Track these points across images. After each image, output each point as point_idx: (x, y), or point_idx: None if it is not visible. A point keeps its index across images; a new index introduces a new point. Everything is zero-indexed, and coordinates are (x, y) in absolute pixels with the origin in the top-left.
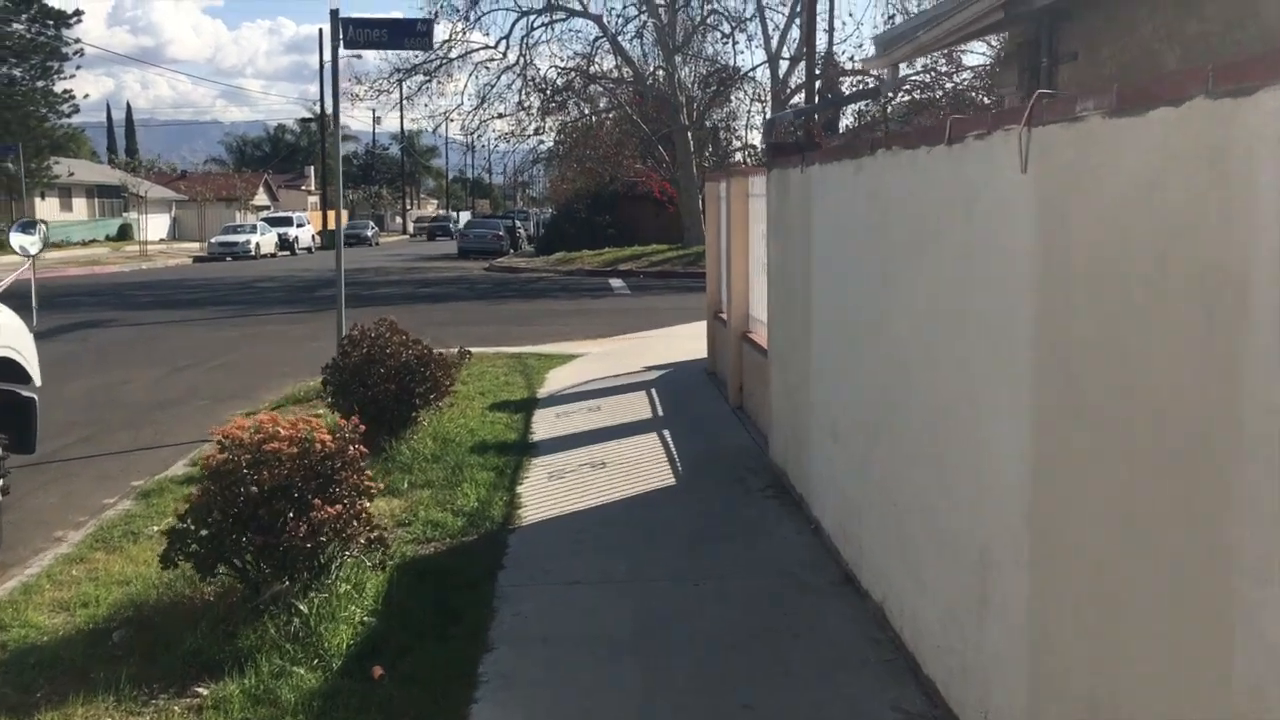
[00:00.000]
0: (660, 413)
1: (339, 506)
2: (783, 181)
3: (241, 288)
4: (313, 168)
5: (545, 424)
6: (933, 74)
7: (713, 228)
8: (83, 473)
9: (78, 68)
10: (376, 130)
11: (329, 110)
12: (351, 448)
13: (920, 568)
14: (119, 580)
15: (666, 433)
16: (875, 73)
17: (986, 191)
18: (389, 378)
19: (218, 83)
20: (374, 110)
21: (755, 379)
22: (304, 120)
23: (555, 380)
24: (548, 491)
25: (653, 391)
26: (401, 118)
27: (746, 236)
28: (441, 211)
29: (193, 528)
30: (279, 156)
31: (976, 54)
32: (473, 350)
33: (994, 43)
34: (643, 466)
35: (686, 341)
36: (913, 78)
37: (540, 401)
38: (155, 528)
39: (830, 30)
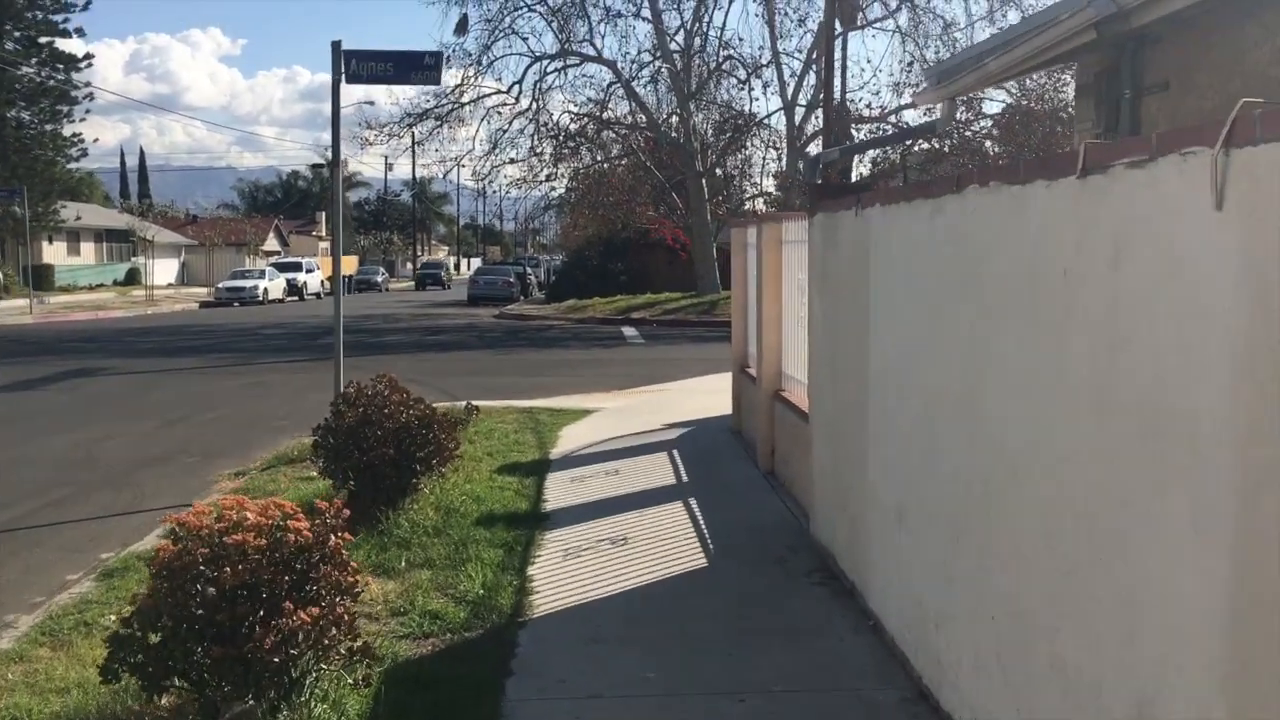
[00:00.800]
0: (684, 477)
1: (315, 610)
2: (830, 226)
3: (245, 335)
4: (324, 213)
5: (559, 490)
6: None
7: (739, 276)
8: (49, 541)
9: (87, 111)
10: (389, 176)
11: (336, 152)
12: (333, 537)
13: (1035, 707)
14: (58, 688)
15: (693, 502)
16: (921, 108)
17: (1149, 234)
18: (386, 441)
19: (232, 129)
20: (386, 157)
21: (791, 443)
22: (315, 166)
23: (569, 439)
24: (563, 574)
25: (674, 453)
26: (414, 163)
27: (780, 286)
28: (435, 257)
29: (139, 634)
30: (291, 202)
31: (995, 101)
32: (481, 405)
33: (1013, 90)
34: (669, 544)
35: (706, 396)
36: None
37: (553, 464)
38: (112, 616)
39: (843, 77)
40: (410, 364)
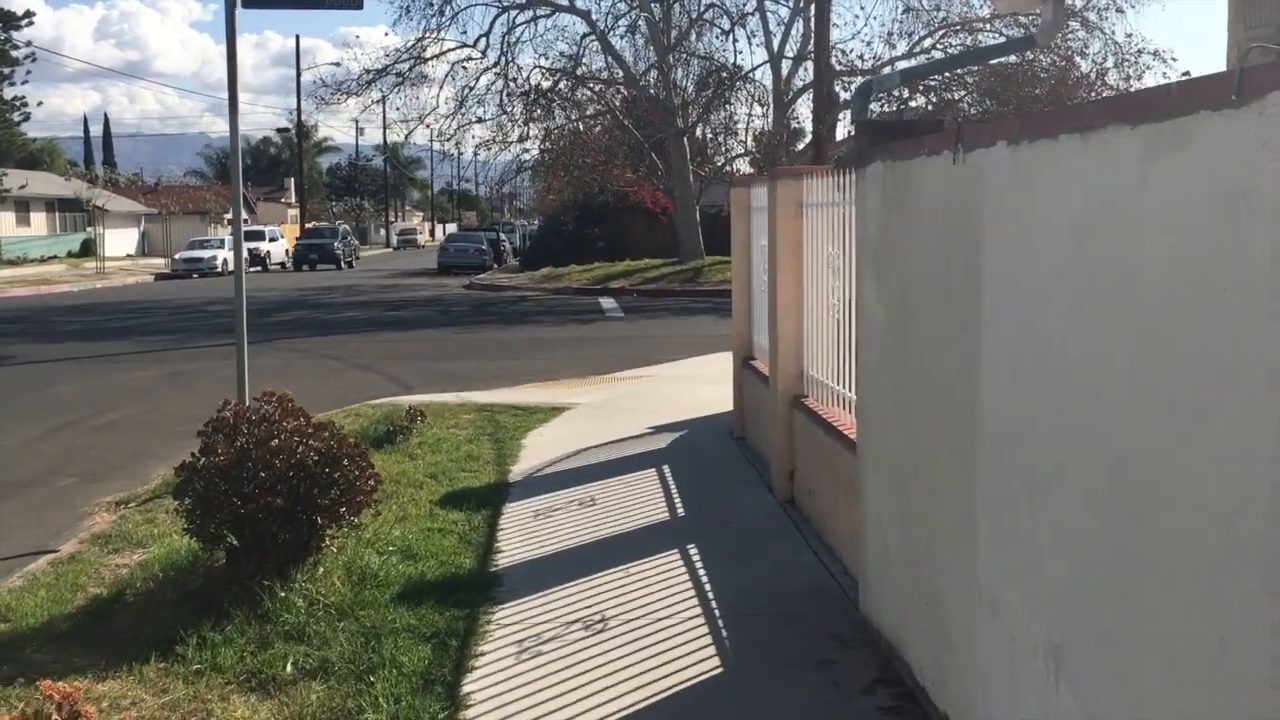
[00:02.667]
0: (679, 509)
1: None
2: (897, 181)
3: (188, 311)
4: (293, 180)
5: (516, 533)
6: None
7: (740, 245)
8: None
9: (28, 73)
10: (361, 142)
11: (233, 97)
12: None
13: None
14: None
15: (693, 551)
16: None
17: None
18: (274, 486)
19: (204, 95)
20: (356, 121)
21: (821, 469)
22: (281, 130)
23: (534, 448)
24: (516, 691)
25: (665, 470)
26: (384, 127)
27: (800, 262)
28: (409, 224)
29: None
30: (260, 169)
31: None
32: (434, 401)
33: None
34: (665, 631)
35: (699, 386)
36: (928, 80)
37: (512, 489)
38: None
39: (826, 27)
40: (363, 345)
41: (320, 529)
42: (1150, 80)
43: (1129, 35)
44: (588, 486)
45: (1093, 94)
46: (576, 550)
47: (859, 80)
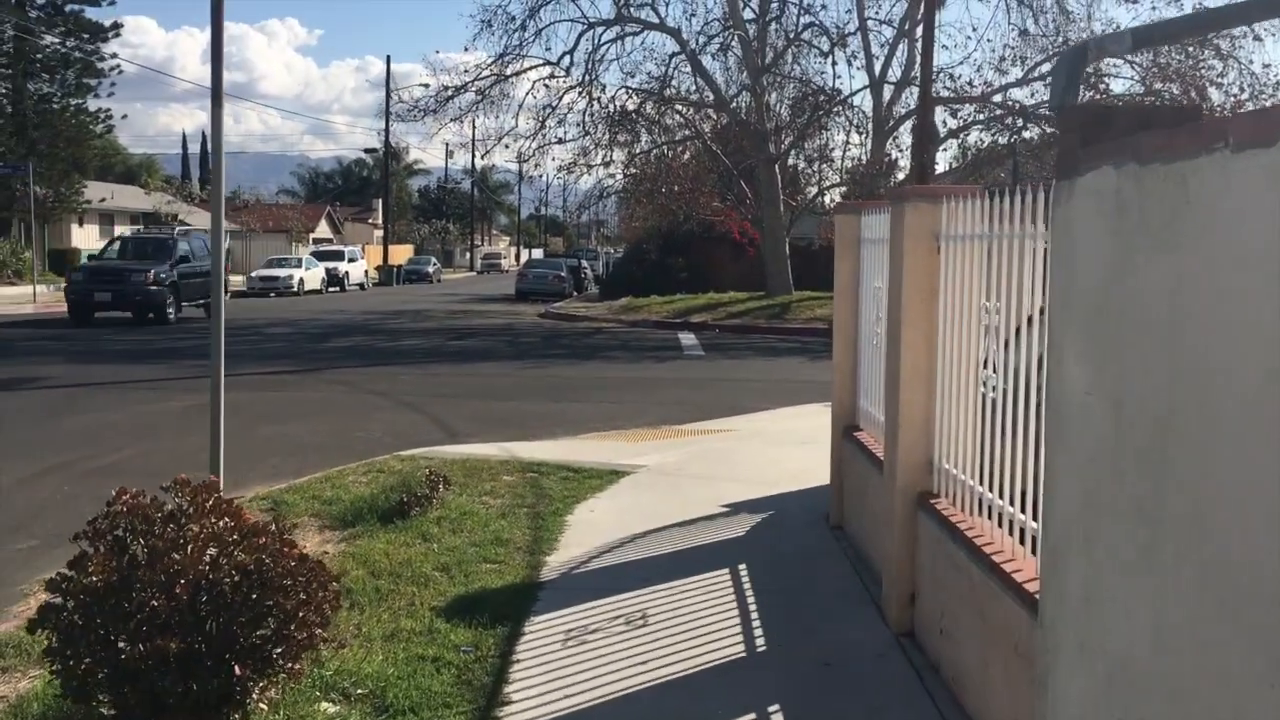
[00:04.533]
0: (759, 638)
1: None
2: (1149, 198)
3: (244, 333)
4: (381, 200)
5: (537, 671)
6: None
7: (845, 286)
8: None
9: (114, 84)
10: (452, 165)
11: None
12: None
13: None
14: None
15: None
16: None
17: None
18: (171, 620)
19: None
20: (447, 144)
21: (961, 608)
22: (369, 150)
23: (581, 529)
24: None
25: (741, 572)
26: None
27: (934, 311)
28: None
29: None
30: (350, 189)
31: (1124, 79)
32: (474, 452)
33: (1142, 65)
34: None
35: (784, 447)
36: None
37: (543, 593)
38: None
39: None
40: (416, 380)
41: (241, 681)
42: None
43: (1266, 66)
44: (641, 593)
45: None
46: (619, 703)
47: (966, 109)
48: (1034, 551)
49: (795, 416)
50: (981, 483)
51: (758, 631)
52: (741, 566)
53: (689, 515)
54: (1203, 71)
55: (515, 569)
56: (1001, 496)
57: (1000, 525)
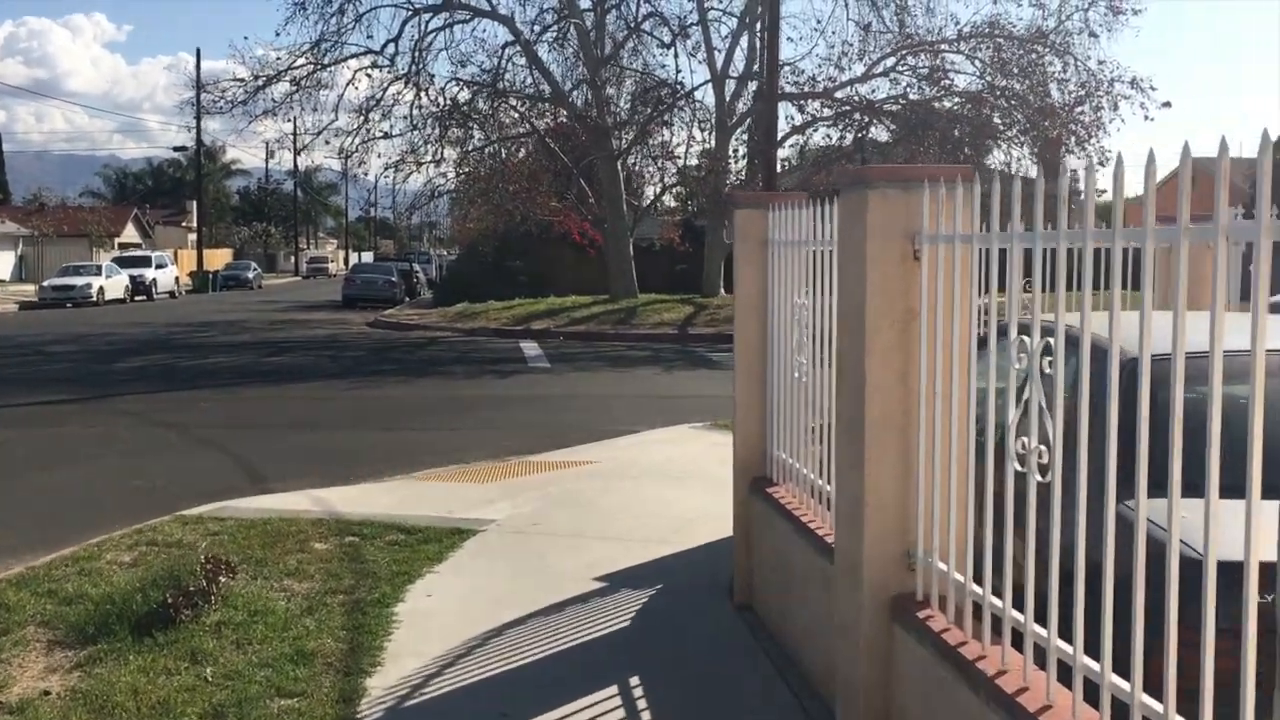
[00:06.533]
0: None
1: None
2: None
3: (22, 353)
4: (195, 203)
5: None
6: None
7: (750, 304)
8: None
9: None
10: (274, 166)
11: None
12: None
13: None
14: None
15: None
16: (841, 95)
17: None
18: None
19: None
20: (268, 143)
21: None
22: (179, 149)
23: (413, 628)
24: None
25: (635, 692)
26: (295, 147)
27: (910, 343)
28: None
29: None
30: (162, 190)
31: (965, 74)
32: (281, 507)
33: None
34: None
35: (660, 485)
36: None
37: None
38: None
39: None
40: (221, 406)
41: None
42: (1126, 110)
43: (1101, 63)
44: None
45: (1059, 127)
46: None
47: (812, 104)
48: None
49: (664, 443)
50: (984, 585)
51: None
52: (633, 680)
53: (555, 596)
54: (1044, 65)
55: (322, 703)
56: (1032, 615)
57: (1022, 651)
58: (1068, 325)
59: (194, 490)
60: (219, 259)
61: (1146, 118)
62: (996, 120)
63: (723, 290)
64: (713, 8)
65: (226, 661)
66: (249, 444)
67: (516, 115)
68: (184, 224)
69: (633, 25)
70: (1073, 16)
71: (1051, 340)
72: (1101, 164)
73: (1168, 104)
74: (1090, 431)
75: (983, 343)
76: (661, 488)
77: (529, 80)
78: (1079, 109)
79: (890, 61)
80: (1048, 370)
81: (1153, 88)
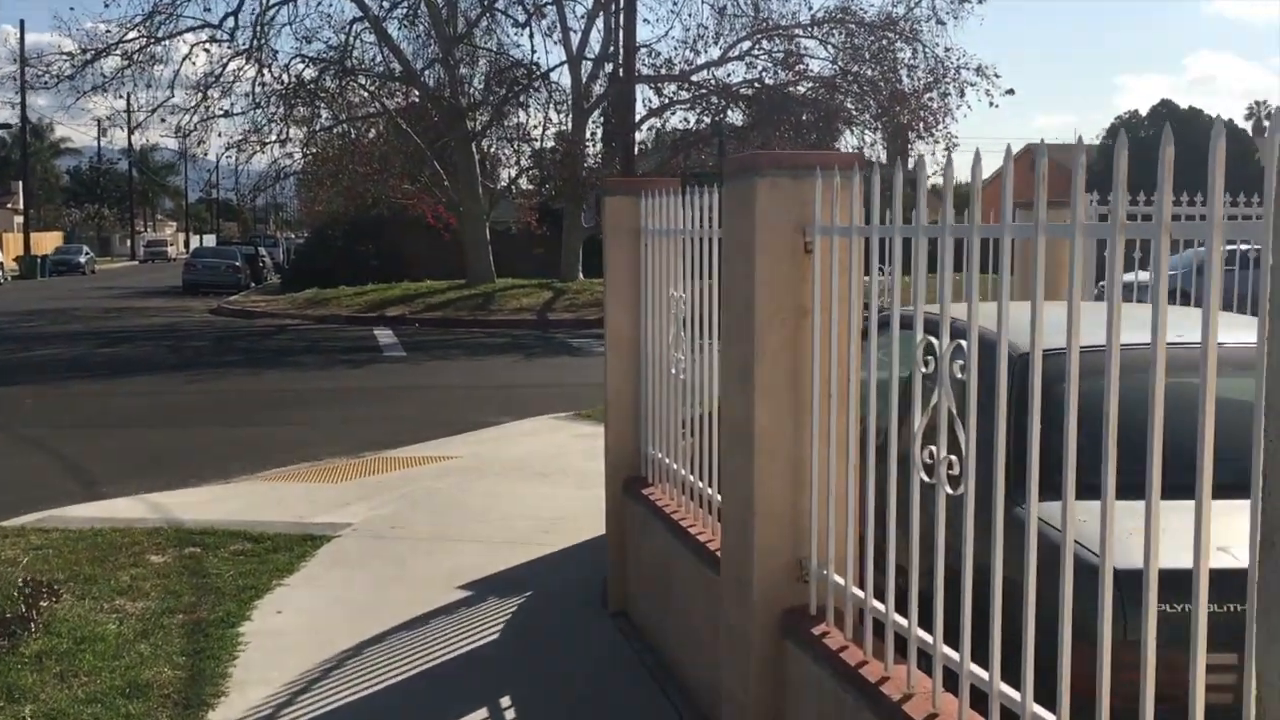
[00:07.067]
0: None
1: None
2: None
3: None
4: (20, 183)
5: None
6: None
7: (622, 298)
8: None
9: None
10: (109, 145)
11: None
12: None
13: None
14: None
15: None
16: (698, 78)
17: None
18: None
19: None
20: (100, 120)
21: None
22: (2, 125)
23: (262, 650)
24: None
25: (505, 710)
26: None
27: (801, 343)
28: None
29: None
30: None
31: (819, 59)
32: (114, 516)
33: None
34: None
35: (524, 482)
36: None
37: None
38: None
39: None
40: (50, 402)
41: None
42: (971, 97)
43: (947, 50)
44: None
45: (910, 113)
46: None
47: (670, 87)
48: None
49: (526, 435)
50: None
51: None
52: (504, 701)
53: (418, 608)
54: (895, 51)
55: None
56: (941, 636)
57: (930, 674)
58: (958, 319)
59: (17, 497)
60: (48, 243)
61: (992, 104)
62: (850, 106)
63: (581, 274)
64: None
65: (49, 698)
66: (79, 444)
67: (366, 94)
68: (9, 205)
69: (486, 4)
70: (921, 3)
71: (963, 342)
72: (949, 150)
73: (1011, 91)
74: (987, 434)
75: (870, 334)
76: (527, 484)
77: (379, 58)
78: (928, 95)
79: (746, 45)
80: (959, 375)
81: (996, 75)
